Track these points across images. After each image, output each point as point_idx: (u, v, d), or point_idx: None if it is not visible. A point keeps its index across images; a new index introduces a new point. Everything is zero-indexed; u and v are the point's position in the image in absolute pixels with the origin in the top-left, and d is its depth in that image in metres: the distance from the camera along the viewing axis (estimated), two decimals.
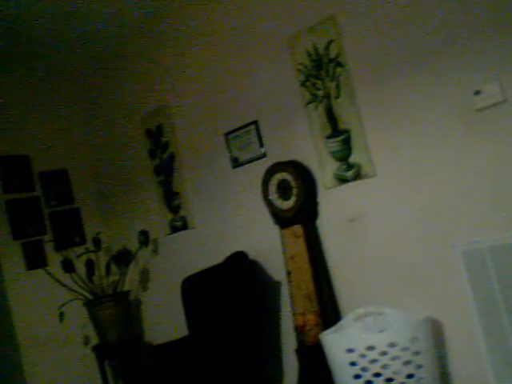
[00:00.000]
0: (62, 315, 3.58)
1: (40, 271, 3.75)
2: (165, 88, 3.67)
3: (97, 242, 3.81)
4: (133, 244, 3.86)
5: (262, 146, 3.16)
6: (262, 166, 3.07)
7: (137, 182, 3.99)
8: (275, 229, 3.05)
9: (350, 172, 2.75)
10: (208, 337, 3.07)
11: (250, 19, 3.11)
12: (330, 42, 2.75)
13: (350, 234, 2.81)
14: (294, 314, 2.89)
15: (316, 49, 2.81)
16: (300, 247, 2.85)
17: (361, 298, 2.73)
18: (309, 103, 2.88)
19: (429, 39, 2.42)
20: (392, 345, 2.29)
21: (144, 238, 3.76)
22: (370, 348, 2.31)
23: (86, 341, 3.90)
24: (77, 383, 3.78)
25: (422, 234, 2.54)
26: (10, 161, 3.83)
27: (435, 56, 2.41)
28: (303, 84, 2.89)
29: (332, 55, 2.75)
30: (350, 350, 2.35)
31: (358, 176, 2.72)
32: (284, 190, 2.92)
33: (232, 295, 3.03)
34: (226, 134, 3.32)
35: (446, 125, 2.41)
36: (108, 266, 3.84)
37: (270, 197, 2.99)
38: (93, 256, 3.80)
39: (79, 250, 3.93)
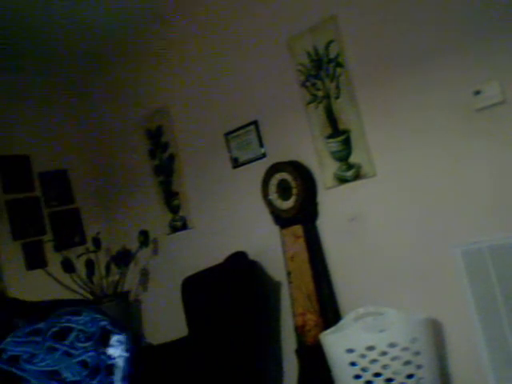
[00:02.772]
0: None
1: (40, 271, 3.75)
2: (165, 88, 3.67)
3: (97, 242, 3.81)
4: (133, 244, 3.86)
5: (261, 146, 3.16)
6: (261, 166, 3.07)
7: (137, 181, 3.98)
8: (275, 229, 3.05)
9: (349, 172, 2.75)
10: (208, 337, 3.07)
11: (250, 19, 3.11)
12: (330, 42, 2.74)
13: (350, 234, 2.81)
14: (293, 315, 2.89)
15: (316, 49, 2.81)
16: (300, 247, 2.85)
17: (361, 298, 2.73)
18: (309, 103, 2.88)
19: (429, 39, 2.42)
20: (392, 345, 2.29)
21: (144, 238, 3.76)
22: (370, 348, 2.31)
23: None
24: None
25: (421, 233, 2.54)
26: (9, 161, 3.84)
27: (435, 56, 2.41)
28: (303, 84, 2.89)
29: (332, 55, 2.75)
30: (350, 350, 2.35)
31: (357, 176, 2.72)
32: (284, 189, 2.92)
33: (232, 295, 3.03)
34: (226, 134, 3.32)
35: (445, 125, 2.41)
36: (108, 266, 3.84)
37: (270, 197, 2.99)
38: (93, 256, 3.80)
39: (79, 249, 3.93)
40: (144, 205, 3.94)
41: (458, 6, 2.32)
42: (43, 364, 0.84)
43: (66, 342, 0.88)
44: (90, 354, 0.88)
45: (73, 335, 0.89)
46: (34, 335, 0.88)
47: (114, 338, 0.92)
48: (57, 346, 0.87)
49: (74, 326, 0.90)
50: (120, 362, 0.93)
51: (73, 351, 0.87)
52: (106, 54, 3.97)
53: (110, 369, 0.91)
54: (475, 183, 2.35)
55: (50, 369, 0.84)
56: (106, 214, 4.24)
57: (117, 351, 0.93)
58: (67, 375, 0.85)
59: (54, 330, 0.89)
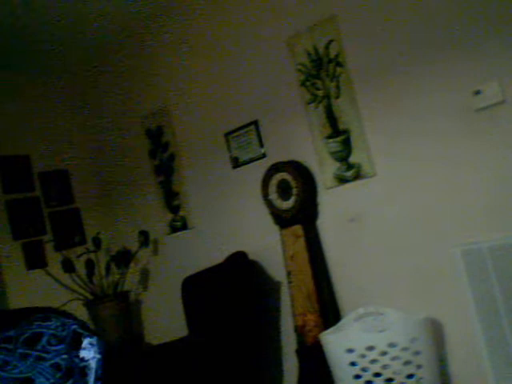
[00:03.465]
0: None
1: (40, 271, 3.75)
2: (165, 88, 3.67)
3: (97, 242, 3.81)
4: (133, 244, 3.86)
5: (261, 146, 3.16)
6: (261, 166, 3.07)
7: (137, 182, 3.98)
8: (275, 229, 3.05)
9: (349, 172, 2.75)
10: (208, 337, 3.07)
11: (250, 19, 3.11)
12: (330, 41, 2.74)
13: (349, 234, 2.81)
14: (293, 315, 2.89)
15: (316, 49, 2.81)
16: (300, 247, 2.85)
17: (361, 298, 2.73)
18: (309, 103, 2.88)
19: (428, 39, 2.42)
20: (392, 345, 2.29)
21: (144, 238, 3.75)
22: (370, 348, 2.31)
23: None
24: None
25: (421, 233, 2.54)
26: (10, 161, 3.83)
27: (435, 56, 2.41)
28: (303, 84, 2.89)
29: (332, 55, 2.75)
30: (350, 350, 2.35)
31: (357, 176, 2.72)
32: (284, 189, 2.92)
33: (232, 295, 3.03)
34: (226, 134, 3.32)
35: (445, 125, 2.41)
36: (108, 266, 3.83)
37: (270, 197, 2.99)
38: (93, 256, 3.80)
39: (79, 249, 3.92)
40: (144, 205, 3.94)
41: (458, 6, 2.32)
42: (16, 371, 0.86)
43: (38, 347, 0.89)
44: (63, 356, 0.89)
45: (44, 339, 0.90)
46: (5, 343, 0.89)
47: (86, 341, 0.95)
48: (29, 351, 0.89)
49: (44, 330, 0.92)
50: (93, 364, 0.95)
51: (45, 355, 0.89)
52: (106, 54, 3.97)
53: (83, 371, 0.93)
54: (475, 183, 2.35)
55: (23, 376, 0.86)
56: (106, 214, 4.24)
57: (89, 353, 0.95)
58: (41, 380, 0.86)
59: (25, 336, 0.91)
